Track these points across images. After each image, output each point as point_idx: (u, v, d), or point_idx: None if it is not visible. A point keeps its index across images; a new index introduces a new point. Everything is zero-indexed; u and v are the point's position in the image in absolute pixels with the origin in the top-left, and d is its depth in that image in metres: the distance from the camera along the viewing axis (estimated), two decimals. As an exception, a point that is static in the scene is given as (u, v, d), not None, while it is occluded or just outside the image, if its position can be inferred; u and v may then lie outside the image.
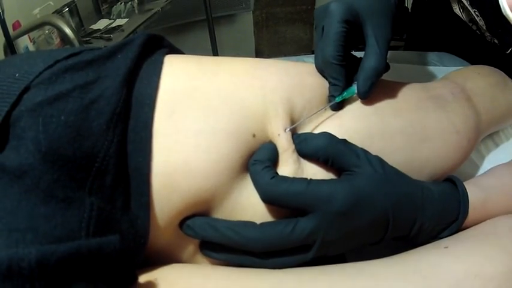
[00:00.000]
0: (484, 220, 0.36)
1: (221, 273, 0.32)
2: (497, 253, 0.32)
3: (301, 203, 0.31)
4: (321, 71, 0.38)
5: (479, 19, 0.50)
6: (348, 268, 0.32)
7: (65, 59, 0.32)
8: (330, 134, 0.34)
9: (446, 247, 0.33)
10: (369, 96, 0.37)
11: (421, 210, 0.34)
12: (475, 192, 0.37)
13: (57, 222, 0.24)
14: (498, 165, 0.42)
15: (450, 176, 0.38)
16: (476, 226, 0.36)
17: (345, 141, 0.34)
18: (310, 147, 0.34)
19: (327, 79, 0.38)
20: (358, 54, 0.40)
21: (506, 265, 0.30)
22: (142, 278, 0.30)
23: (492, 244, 0.33)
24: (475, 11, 0.50)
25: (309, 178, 0.32)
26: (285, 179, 0.32)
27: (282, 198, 0.31)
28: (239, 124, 0.33)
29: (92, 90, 0.30)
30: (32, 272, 0.20)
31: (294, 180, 0.32)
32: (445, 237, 0.36)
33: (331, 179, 0.34)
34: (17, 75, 0.29)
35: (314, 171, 0.35)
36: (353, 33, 0.37)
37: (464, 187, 0.37)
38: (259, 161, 0.33)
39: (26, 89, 0.28)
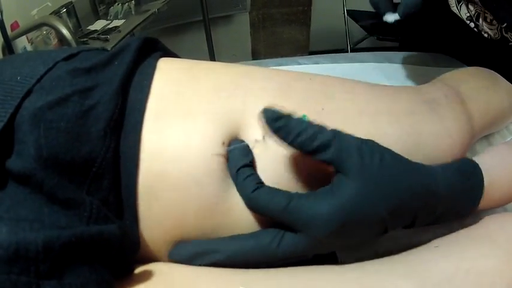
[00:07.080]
0: (485, 206, 0.35)
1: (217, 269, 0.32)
2: (490, 249, 0.31)
3: (282, 221, 0.30)
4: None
5: None
6: (336, 268, 0.32)
7: (64, 60, 0.32)
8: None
9: (436, 246, 0.32)
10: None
11: (422, 208, 0.31)
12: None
13: (61, 219, 0.25)
14: (498, 145, 0.40)
15: (466, 160, 0.35)
16: (468, 227, 0.35)
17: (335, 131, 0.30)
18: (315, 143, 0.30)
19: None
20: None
21: (499, 260, 0.30)
22: (138, 270, 0.30)
23: (484, 242, 0.32)
24: None
25: (294, 192, 0.30)
26: (266, 192, 0.30)
27: (264, 213, 0.30)
28: (212, 133, 0.32)
29: (91, 97, 0.30)
30: (37, 255, 0.21)
31: (275, 194, 0.30)
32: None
33: (318, 193, 0.30)
34: (18, 78, 0.30)
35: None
36: None
37: (483, 178, 0.33)
38: (242, 167, 0.31)
39: (28, 93, 0.29)
